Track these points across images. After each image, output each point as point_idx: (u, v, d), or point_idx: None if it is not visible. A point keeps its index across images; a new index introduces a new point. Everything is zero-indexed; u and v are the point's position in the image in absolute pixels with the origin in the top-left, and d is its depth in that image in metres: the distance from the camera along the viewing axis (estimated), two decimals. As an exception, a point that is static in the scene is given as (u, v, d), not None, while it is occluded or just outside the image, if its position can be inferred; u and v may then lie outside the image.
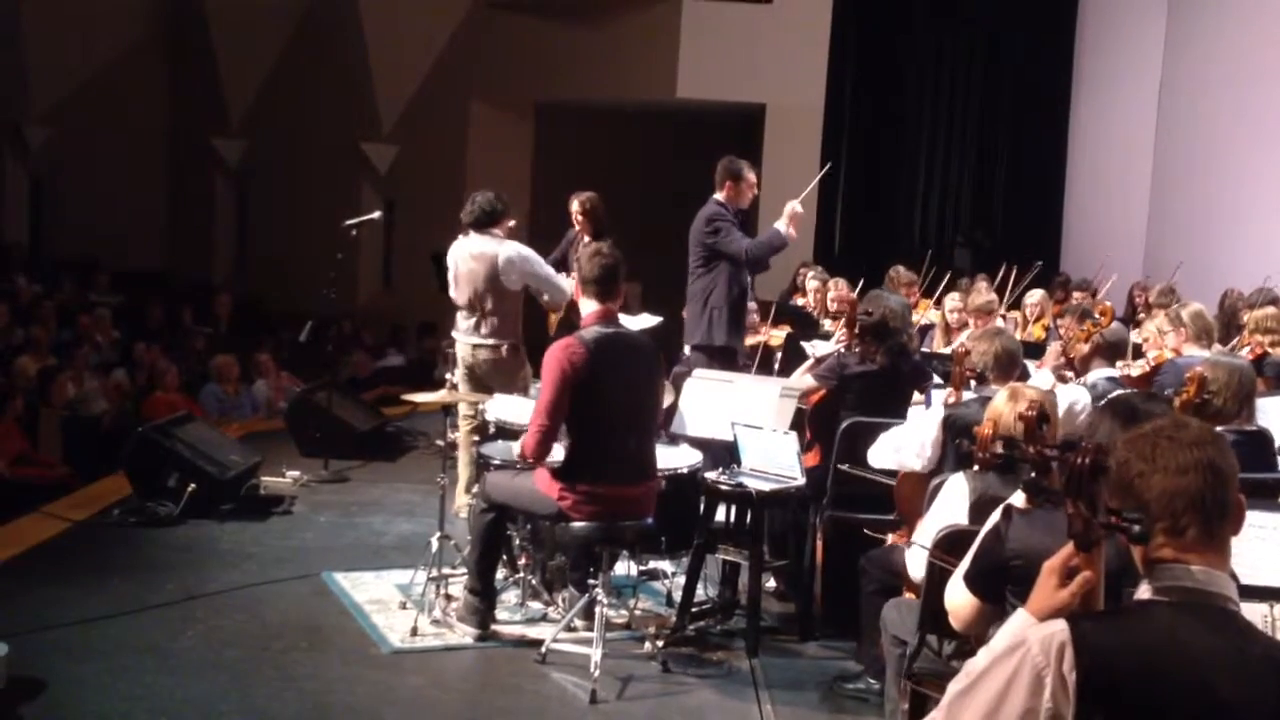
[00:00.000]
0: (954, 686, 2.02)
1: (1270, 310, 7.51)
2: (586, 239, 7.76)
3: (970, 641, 3.53)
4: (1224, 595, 1.98)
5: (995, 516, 3.22)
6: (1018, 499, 3.34)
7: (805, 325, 8.78)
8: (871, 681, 4.85)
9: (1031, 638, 1.94)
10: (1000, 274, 10.45)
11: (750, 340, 7.75)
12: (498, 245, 6.92)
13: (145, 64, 15.94)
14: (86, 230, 15.39)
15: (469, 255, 6.96)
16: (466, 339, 7.02)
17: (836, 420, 5.74)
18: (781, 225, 7.29)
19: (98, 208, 15.47)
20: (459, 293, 7.02)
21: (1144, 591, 2.02)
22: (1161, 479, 2.01)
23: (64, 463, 8.95)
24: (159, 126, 16.38)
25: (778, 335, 8.15)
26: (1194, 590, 1.98)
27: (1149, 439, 2.05)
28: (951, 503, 3.99)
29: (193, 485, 6.83)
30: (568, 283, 7.02)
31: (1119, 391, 4.92)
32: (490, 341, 6.97)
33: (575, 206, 7.82)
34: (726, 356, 7.13)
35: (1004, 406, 3.97)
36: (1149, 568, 2.03)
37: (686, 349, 7.49)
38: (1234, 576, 2.05)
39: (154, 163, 16.44)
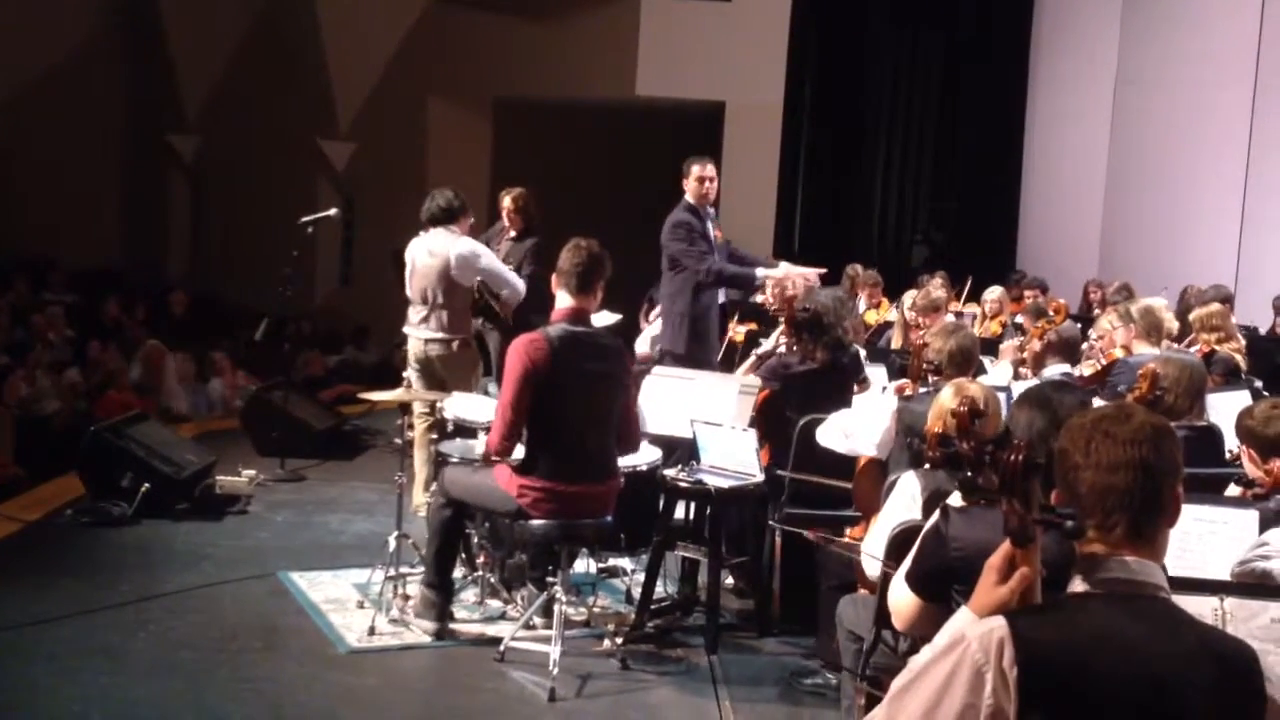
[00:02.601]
0: (897, 683, 2.03)
1: (1215, 308, 7.59)
2: (513, 233, 7.81)
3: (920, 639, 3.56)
4: (1154, 584, 2.01)
5: (934, 517, 3.23)
6: (955, 498, 3.35)
7: (767, 323, 8.81)
8: (829, 677, 4.88)
9: (970, 635, 1.95)
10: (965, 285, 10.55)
11: None
12: (452, 241, 6.93)
13: (99, 59, 15.74)
14: (40, 227, 15.18)
15: (426, 251, 6.99)
16: (418, 333, 7.04)
17: (784, 419, 5.76)
18: (774, 272, 7.08)
19: (51, 205, 15.27)
20: (412, 288, 7.04)
21: (1077, 584, 2.04)
22: (1093, 475, 2.02)
23: (15, 462, 8.83)
24: (113, 123, 16.19)
25: (740, 332, 8.18)
26: (1125, 581, 2.00)
27: (1087, 431, 2.05)
28: (903, 502, 4.01)
29: (147, 485, 6.76)
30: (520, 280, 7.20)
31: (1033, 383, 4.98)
32: (440, 336, 6.98)
33: (507, 203, 7.86)
34: (693, 365, 6.91)
35: (949, 403, 3.99)
36: (1082, 561, 2.05)
37: (640, 348, 7.48)
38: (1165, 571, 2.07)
39: (108, 159, 16.24)
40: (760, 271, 7.24)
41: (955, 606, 2.94)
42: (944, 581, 3.02)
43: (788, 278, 7.00)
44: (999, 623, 1.95)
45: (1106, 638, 1.94)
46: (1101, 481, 2.01)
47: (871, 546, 4.20)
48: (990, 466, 2.11)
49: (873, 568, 4.10)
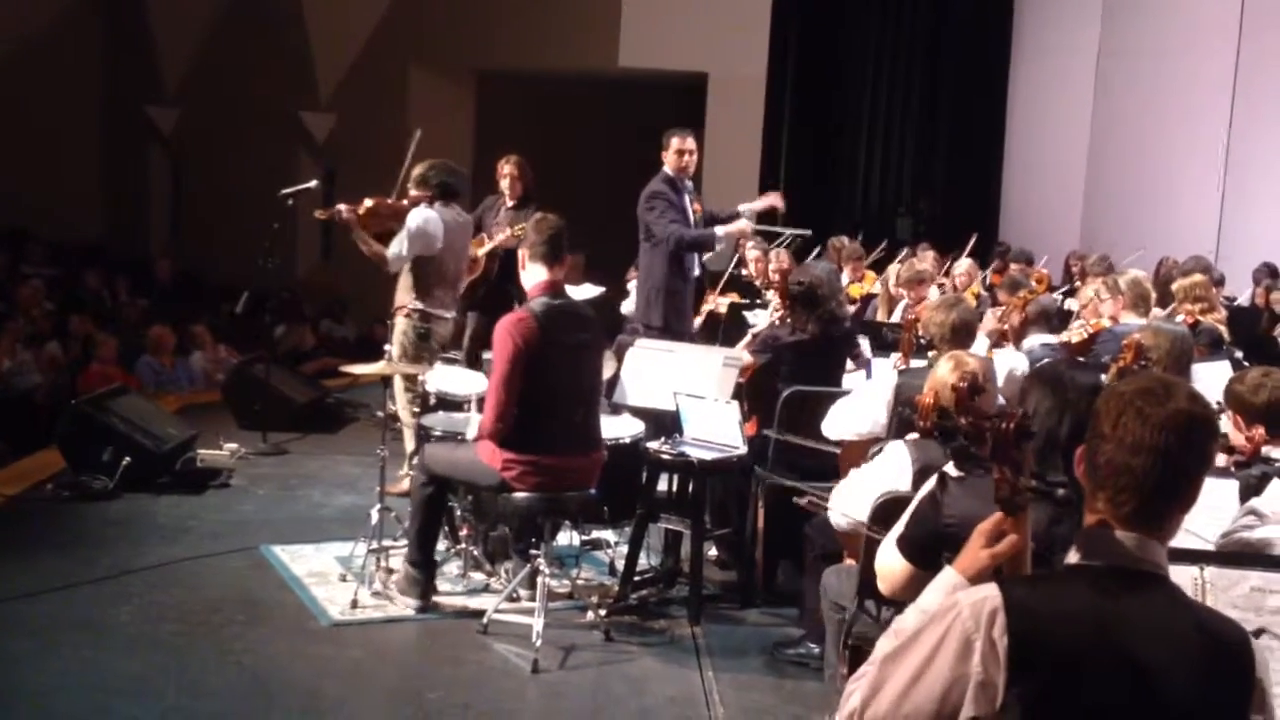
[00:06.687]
0: (883, 645, 2.01)
1: (1197, 278, 7.61)
2: (512, 202, 7.73)
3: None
4: (1153, 563, 1.97)
5: (930, 483, 3.23)
6: (952, 466, 3.36)
7: (750, 295, 8.82)
8: (812, 646, 4.89)
9: (962, 602, 1.92)
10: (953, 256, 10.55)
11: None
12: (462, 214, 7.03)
13: (78, 30, 15.62)
14: (18, 200, 15.08)
15: (458, 225, 6.97)
16: (449, 312, 6.95)
17: (771, 391, 5.76)
18: (721, 230, 7.21)
19: (30, 177, 15.16)
20: (448, 264, 6.93)
21: (1073, 556, 2.01)
22: (1113, 450, 1.97)
23: (-4, 437, 8.80)
24: (92, 95, 16.07)
25: (722, 304, 8.16)
26: (1123, 557, 1.97)
27: (1123, 403, 1.99)
28: (889, 471, 4.01)
29: (127, 459, 6.73)
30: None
31: (1047, 360, 4.97)
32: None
33: (510, 169, 7.78)
34: (670, 338, 6.87)
35: (946, 375, 3.99)
36: (1084, 533, 2.02)
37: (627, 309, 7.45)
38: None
39: (87, 132, 16.13)
40: (720, 230, 7.22)
41: None
42: (935, 548, 3.01)
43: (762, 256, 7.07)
44: (992, 591, 1.91)
45: (1099, 613, 1.91)
46: (1119, 459, 1.96)
47: (843, 496, 4.23)
48: (985, 436, 2.09)
49: (840, 519, 4.15)
